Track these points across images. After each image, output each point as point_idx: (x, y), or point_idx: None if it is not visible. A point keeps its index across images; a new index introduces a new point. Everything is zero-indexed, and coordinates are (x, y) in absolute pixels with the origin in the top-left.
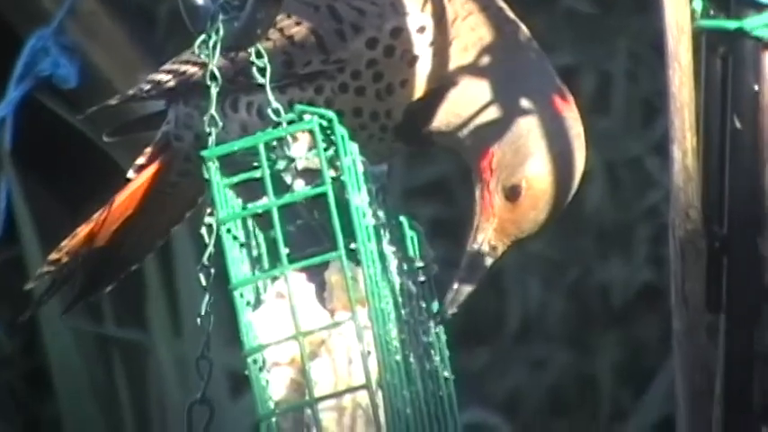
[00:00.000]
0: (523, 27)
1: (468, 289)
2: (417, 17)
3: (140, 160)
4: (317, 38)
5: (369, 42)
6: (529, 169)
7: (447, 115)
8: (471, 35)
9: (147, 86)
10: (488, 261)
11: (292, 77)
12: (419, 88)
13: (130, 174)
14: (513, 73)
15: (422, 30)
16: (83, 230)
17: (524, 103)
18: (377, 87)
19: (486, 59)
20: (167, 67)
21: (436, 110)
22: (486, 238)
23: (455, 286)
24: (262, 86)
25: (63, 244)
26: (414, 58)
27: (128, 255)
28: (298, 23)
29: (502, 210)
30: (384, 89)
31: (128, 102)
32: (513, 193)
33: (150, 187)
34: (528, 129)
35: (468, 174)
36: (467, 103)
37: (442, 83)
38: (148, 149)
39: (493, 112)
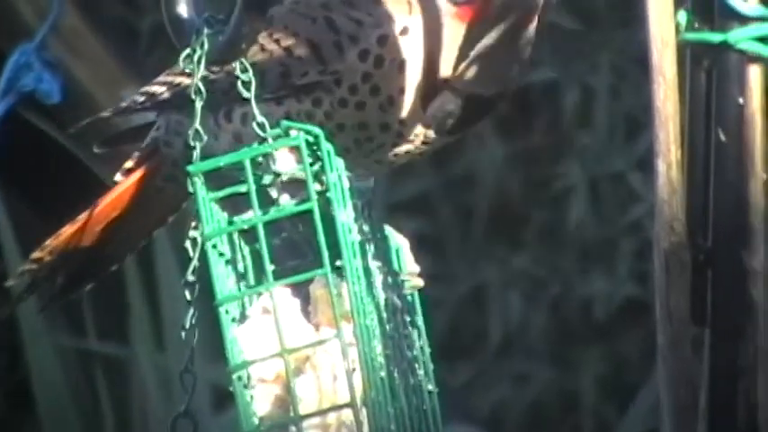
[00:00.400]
0: None
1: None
2: (400, 19)
3: (128, 164)
4: (313, 49)
5: (361, 54)
6: None
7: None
8: (458, 31)
9: (141, 98)
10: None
11: (289, 89)
12: (418, 90)
13: (118, 177)
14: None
15: (404, 31)
16: (66, 230)
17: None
18: (378, 101)
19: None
20: (161, 79)
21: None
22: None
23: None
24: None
25: (46, 243)
26: (402, 64)
27: (110, 254)
28: (294, 35)
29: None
30: (386, 101)
31: (121, 114)
32: None
33: (137, 191)
34: None
35: (448, 189)
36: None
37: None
38: (137, 154)
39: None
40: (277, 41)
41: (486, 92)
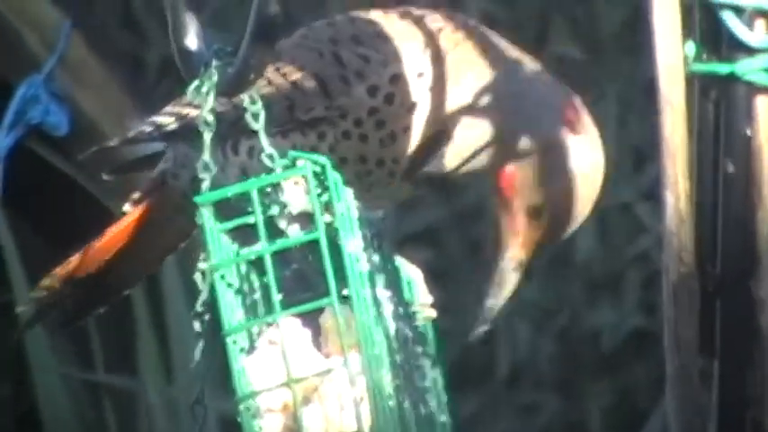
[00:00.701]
0: (511, 45)
1: (498, 305)
2: (417, 62)
3: (136, 195)
4: (320, 83)
5: (370, 90)
6: (550, 188)
7: (457, 151)
8: (464, 68)
9: (149, 128)
10: (515, 276)
11: (295, 123)
12: (422, 133)
13: (126, 207)
14: (516, 96)
15: (420, 75)
16: (74, 259)
17: (535, 122)
18: (380, 135)
19: (484, 95)
20: (169, 109)
21: (443, 150)
22: (513, 254)
23: (486, 304)
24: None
25: (54, 271)
26: (413, 105)
27: (118, 282)
28: (301, 69)
29: (526, 228)
30: (387, 137)
31: (128, 144)
32: (536, 213)
33: (144, 221)
34: (545, 147)
35: (458, 221)
36: (476, 137)
37: (443, 125)
38: (145, 185)
39: (504, 139)
40: (284, 75)
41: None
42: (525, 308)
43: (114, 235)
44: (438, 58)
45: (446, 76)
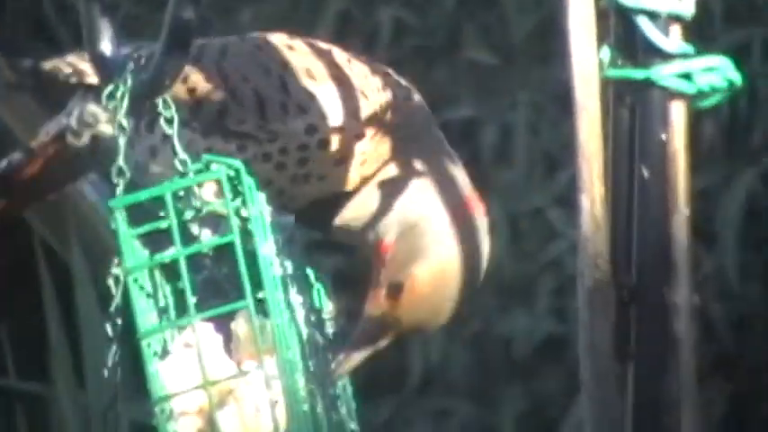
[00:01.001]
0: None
1: (354, 359)
2: (358, 122)
3: (34, 143)
4: (258, 101)
5: (308, 128)
6: (416, 270)
7: (353, 213)
8: (379, 144)
9: (69, 71)
10: (374, 344)
11: (220, 129)
12: (333, 187)
13: (17, 155)
14: (426, 177)
15: (358, 136)
16: None
17: (429, 204)
18: (297, 171)
19: (394, 167)
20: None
21: (342, 208)
22: (374, 323)
23: (341, 355)
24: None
25: None
26: (341, 160)
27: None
28: (245, 80)
29: (384, 305)
30: (302, 176)
31: (46, 79)
32: (395, 291)
33: (41, 169)
34: (425, 229)
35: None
36: (371, 204)
37: (352, 188)
38: (43, 136)
39: (395, 211)
40: (225, 79)
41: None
42: None
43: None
44: (378, 123)
45: (376, 141)
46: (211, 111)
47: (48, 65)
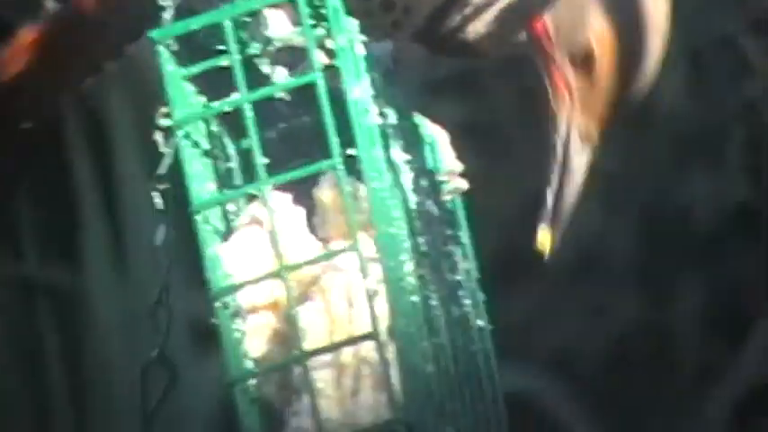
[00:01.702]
0: None
1: (569, 202)
2: None
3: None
4: None
5: None
6: (595, 24)
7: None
8: None
9: None
10: (584, 154)
11: None
12: None
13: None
14: None
15: None
16: None
17: None
18: None
19: None
20: None
21: (462, 13)
22: (572, 124)
23: (548, 205)
24: None
25: None
26: None
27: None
28: None
29: (578, 82)
30: None
31: None
32: (584, 59)
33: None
34: None
35: (503, 70)
36: None
37: None
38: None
39: None
40: None
41: None
42: (592, 179)
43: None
44: None
45: None
46: None
47: None
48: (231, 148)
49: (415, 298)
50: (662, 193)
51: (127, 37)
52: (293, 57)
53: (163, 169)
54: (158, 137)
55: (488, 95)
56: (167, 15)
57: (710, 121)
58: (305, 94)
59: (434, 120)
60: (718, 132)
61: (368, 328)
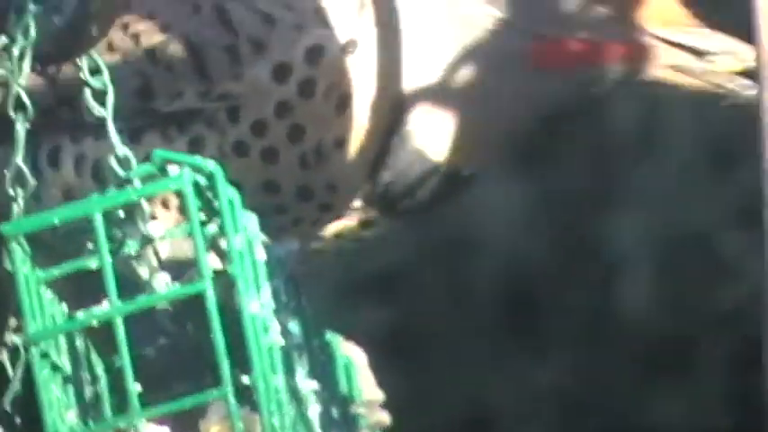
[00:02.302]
0: None
1: None
2: (346, 25)
3: None
4: (194, 56)
5: (276, 71)
6: None
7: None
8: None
9: None
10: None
11: (150, 117)
12: (370, 135)
13: None
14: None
15: (351, 44)
16: None
17: None
18: (297, 150)
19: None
20: None
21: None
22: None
23: None
24: (99, 124)
25: None
26: (346, 97)
27: None
28: (165, 29)
29: None
30: (311, 150)
31: None
32: None
33: None
34: None
35: (433, 259)
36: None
37: (398, 113)
38: None
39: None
40: (135, 37)
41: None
42: (545, 395)
43: None
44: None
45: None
46: (129, 93)
47: None
48: (99, 369)
49: None
50: (621, 417)
51: None
52: (178, 261)
53: (9, 398)
54: (3, 355)
55: (418, 296)
56: (17, 208)
57: (681, 333)
58: (191, 306)
59: (351, 334)
60: (689, 345)
61: None
